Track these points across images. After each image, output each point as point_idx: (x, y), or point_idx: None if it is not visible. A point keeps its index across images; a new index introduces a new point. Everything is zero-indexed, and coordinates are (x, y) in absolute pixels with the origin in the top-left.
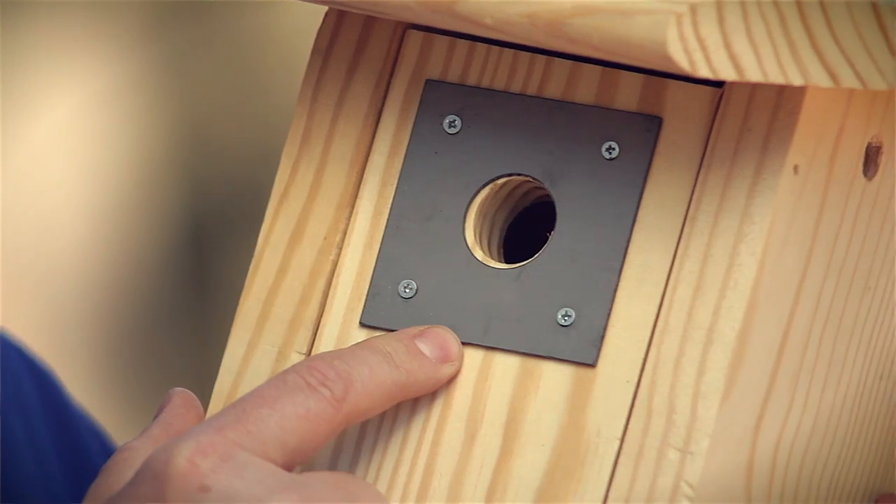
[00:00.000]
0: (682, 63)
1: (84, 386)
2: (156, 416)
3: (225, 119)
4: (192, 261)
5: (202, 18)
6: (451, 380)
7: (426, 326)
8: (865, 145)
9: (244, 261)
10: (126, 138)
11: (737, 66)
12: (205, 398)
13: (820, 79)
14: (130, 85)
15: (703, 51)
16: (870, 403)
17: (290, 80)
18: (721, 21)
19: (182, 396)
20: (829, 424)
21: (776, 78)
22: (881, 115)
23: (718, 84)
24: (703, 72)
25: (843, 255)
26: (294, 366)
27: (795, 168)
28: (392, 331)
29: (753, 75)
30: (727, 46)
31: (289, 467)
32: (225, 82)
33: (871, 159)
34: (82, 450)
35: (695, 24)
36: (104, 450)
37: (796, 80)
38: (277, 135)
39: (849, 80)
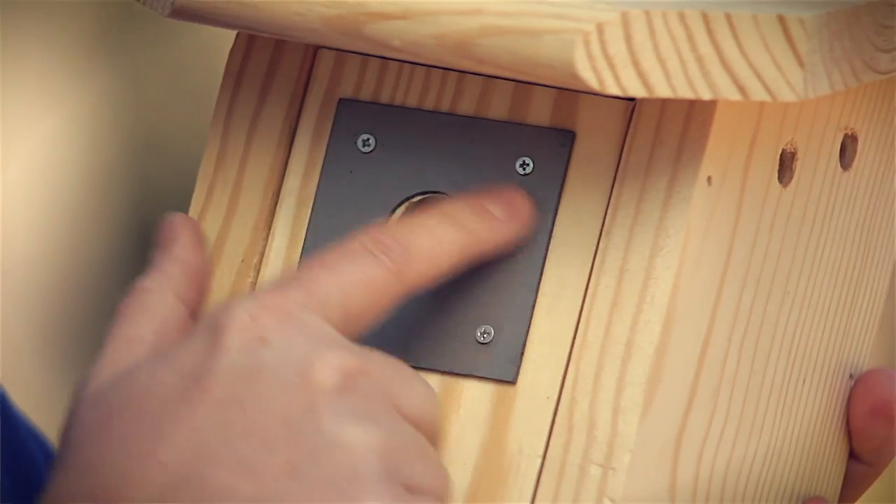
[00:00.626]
0: (591, 81)
1: (31, 387)
2: (160, 246)
3: (176, 124)
4: (142, 262)
5: (158, 25)
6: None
7: (496, 190)
8: (780, 152)
9: None
10: (78, 143)
11: (645, 82)
12: None
13: (729, 92)
14: (83, 90)
15: (612, 69)
16: (793, 408)
17: None
18: (628, 39)
19: (189, 227)
20: (753, 432)
21: (685, 93)
22: (795, 120)
23: (630, 97)
24: (612, 89)
25: (760, 262)
26: (355, 233)
27: (709, 179)
28: None
29: (662, 91)
30: (635, 64)
31: (347, 334)
32: (177, 88)
33: (785, 166)
34: (24, 455)
35: (602, 43)
36: (46, 454)
37: (705, 95)
38: None
39: (758, 93)
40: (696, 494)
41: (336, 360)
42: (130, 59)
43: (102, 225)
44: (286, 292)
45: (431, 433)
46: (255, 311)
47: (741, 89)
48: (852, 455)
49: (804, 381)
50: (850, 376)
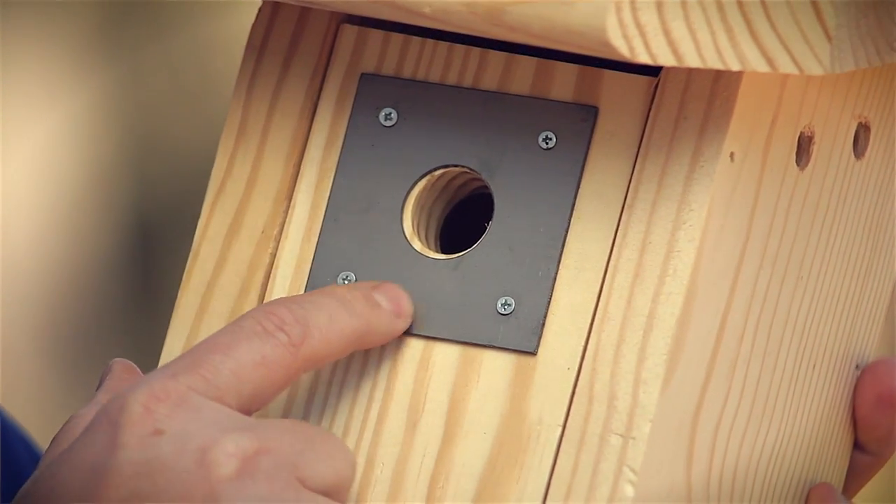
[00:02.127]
0: (622, 49)
1: (29, 385)
2: (98, 387)
3: (174, 118)
4: (141, 260)
5: (155, 19)
6: (394, 369)
7: (380, 281)
8: (798, 134)
9: None
10: (76, 142)
11: (675, 51)
12: None
13: (757, 64)
14: (81, 89)
15: (643, 37)
16: (802, 392)
17: None
18: (660, 7)
19: (122, 364)
20: (766, 412)
21: (714, 63)
22: (814, 104)
23: (653, 73)
24: (643, 58)
25: (777, 244)
26: (250, 311)
27: (732, 155)
28: None
29: (692, 61)
30: (666, 33)
31: (246, 413)
32: (175, 81)
33: (803, 149)
34: (11, 457)
35: (634, 11)
36: (32, 457)
37: (734, 66)
38: None
39: (786, 66)
40: (711, 468)
41: (232, 446)
42: (128, 59)
43: (101, 223)
44: (178, 377)
45: (345, 494)
46: (148, 401)
47: (769, 61)
48: (857, 445)
49: (814, 367)
50: (857, 366)
